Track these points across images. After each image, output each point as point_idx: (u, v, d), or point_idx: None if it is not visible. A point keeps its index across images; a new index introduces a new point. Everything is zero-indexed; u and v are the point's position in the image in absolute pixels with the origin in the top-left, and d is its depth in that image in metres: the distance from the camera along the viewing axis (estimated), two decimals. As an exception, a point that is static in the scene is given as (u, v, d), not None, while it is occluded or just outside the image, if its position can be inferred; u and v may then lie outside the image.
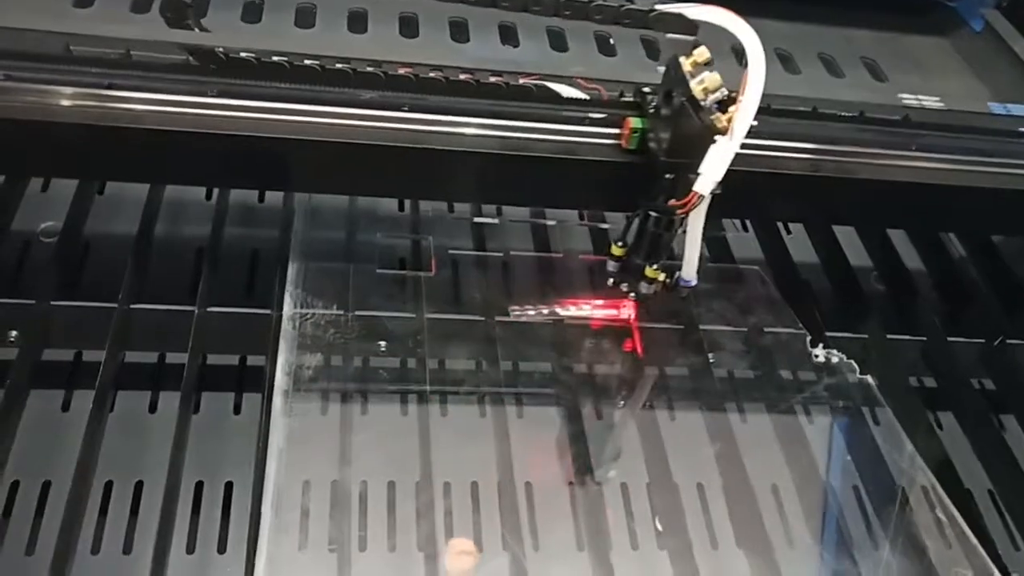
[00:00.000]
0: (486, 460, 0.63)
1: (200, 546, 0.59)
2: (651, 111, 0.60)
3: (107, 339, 0.64)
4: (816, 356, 0.70)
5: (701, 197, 0.56)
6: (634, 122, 0.61)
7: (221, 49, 0.59)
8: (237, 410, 0.67)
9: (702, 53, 0.56)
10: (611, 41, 0.74)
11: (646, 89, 0.62)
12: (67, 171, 0.66)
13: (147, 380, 0.67)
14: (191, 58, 0.57)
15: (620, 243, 0.64)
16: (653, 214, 0.60)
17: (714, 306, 0.71)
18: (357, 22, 0.72)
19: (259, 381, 0.66)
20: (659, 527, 0.64)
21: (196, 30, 0.60)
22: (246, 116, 0.58)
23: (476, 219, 0.75)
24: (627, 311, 0.67)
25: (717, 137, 0.55)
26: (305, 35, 0.70)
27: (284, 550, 0.57)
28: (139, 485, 0.62)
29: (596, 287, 0.70)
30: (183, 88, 0.57)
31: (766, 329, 0.72)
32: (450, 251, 0.71)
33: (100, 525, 0.60)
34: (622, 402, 0.69)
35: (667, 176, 0.58)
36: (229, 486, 0.62)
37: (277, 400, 0.58)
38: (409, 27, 0.72)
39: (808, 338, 0.71)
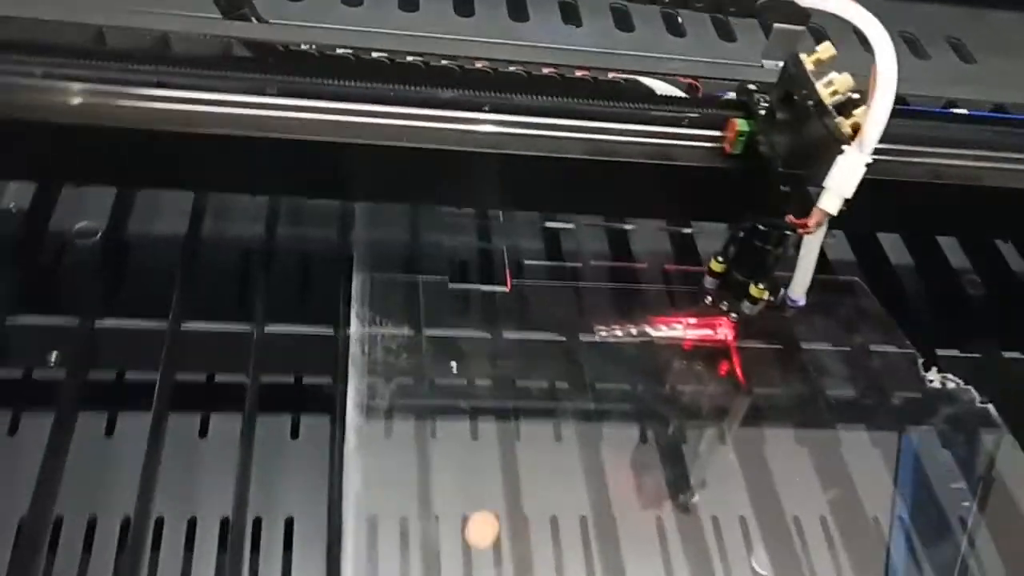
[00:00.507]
0: (574, 492, 0.58)
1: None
2: (761, 113, 0.54)
3: (155, 360, 0.59)
4: (930, 381, 0.64)
5: (827, 215, 0.49)
6: (740, 124, 0.54)
7: (280, 41, 0.53)
8: (295, 433, 0.63)
9: (827, 49, 0.49)
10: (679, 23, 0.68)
11: (751, 87, 0.56)
12: (106, 178, 0.60)
13: (198, 401, 0.63)
14: (247, 52, 0.51)
15: (720, 258, 0.58)
16: (764, 229, 0.54)
17: (814, 322, 0.65)
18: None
19: (318, 400, 0.62)
20: (757, 568, 0.58)
21: (253, 20, 0.54)
22: (309, 117, 0.52)
23: (548, 223, 0.70)
24: (724, 331, 0.61)
25: (845, 147, 0.49)
26: (363, 18, 0.64)
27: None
28: (192, 521, 0.57)
29: (685, 301, 0.64)
30: (240, 86, 0.51)
31: (872, 348, 0.65)
32: (525, 262, 0.65)
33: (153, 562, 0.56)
34: (720, 430, 0.63)
35: (783, 187, 0.52)
36: (290, 522, 0.58)
37: (350, 436, 0.53)
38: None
39: (920, 360, 0.65)
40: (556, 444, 0.61)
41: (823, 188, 0.49)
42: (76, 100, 0.50)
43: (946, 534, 0.60)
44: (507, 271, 0.64)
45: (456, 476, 0.58)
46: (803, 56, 0.50)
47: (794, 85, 0.50)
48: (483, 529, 0.56)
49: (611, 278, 0.66)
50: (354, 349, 0.58)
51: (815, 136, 0.49)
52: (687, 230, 0.72)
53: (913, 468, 0.62)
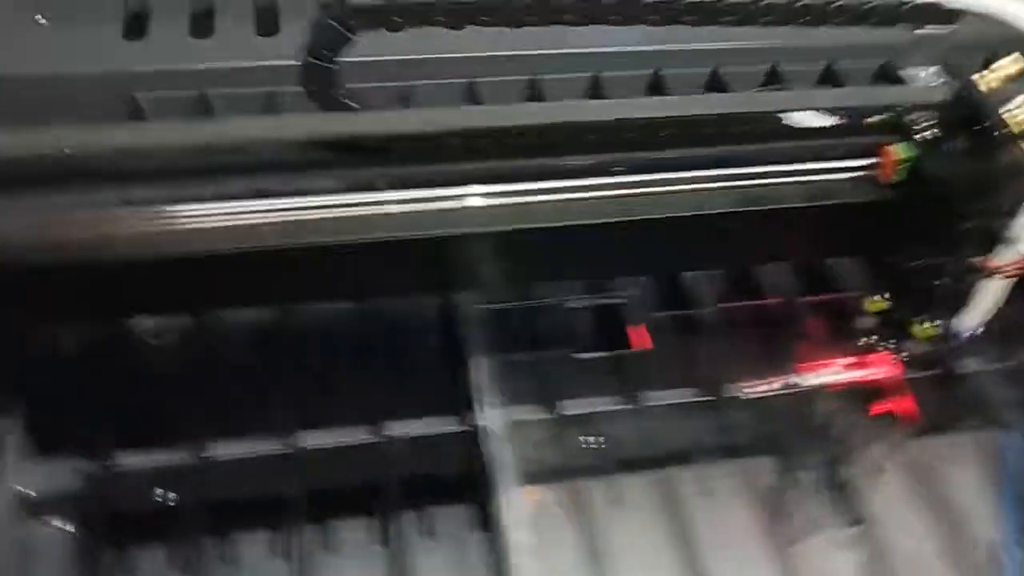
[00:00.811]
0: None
1: None
2: (922, 138, 0.48)
3: (276, 480, 0.54)
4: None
5: (1032, 260, 0.44)
6: (900, 150, 0.49)
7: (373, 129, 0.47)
8: (431, 532, 0.58)
9: (1015, 62, 0.44)
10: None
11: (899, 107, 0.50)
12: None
13: (322, 511, 0.58)
14: (349, 145, 0.45)
15: (879, 297, 0.53)
16: (937, 264, 0.49)
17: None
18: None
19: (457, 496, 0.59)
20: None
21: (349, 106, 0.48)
22: (423, 209, 0.47)
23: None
24: (883, 368, 0.56)
25: (1049, 179, 0.43)
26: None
27: None
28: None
29: (831, 337, 0.59)
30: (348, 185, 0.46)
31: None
32: (651, 314, 0.59)
33: None
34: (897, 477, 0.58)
35: (964, 224, 0.46)
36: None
37: (512, 533, 0.49)
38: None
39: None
40: (733, 509, 0.57)
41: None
42: (155, 229, 0.45)
43: None
44: (633, 328, 0.58)
45: (627, 550, 0.55)
46: (978, 76, 0.44)
47: (970, 108, 0.45)
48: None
49: (747, 320, 0.60)
50: (492, 446, 0.53)
51: (1003, 168, 0.44)
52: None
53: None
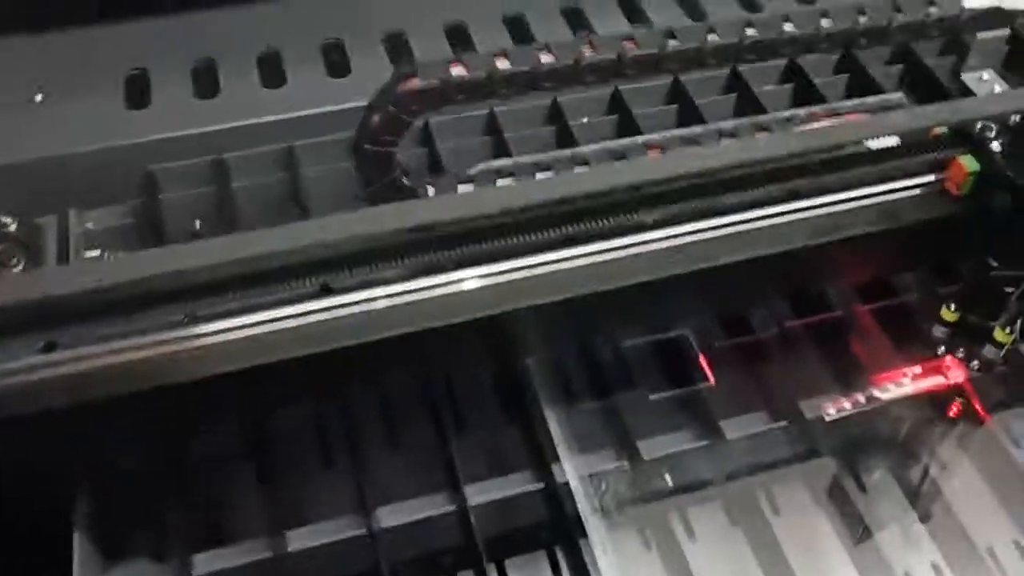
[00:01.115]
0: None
1: None
2: (993, 148, 0.47)
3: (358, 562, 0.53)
4: None
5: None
6: (968, 163, 0.48)
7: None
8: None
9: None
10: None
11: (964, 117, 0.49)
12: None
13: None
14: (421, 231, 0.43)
15: (953, 307, 0.52)
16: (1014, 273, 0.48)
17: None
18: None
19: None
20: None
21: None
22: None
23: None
24: (956, 373, 0.55)
25: None
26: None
27: None
28: None
29: (897, 346, 0.58)
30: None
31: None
32: (715, 345, 0.58)
33: None
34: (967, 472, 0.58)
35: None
36: None
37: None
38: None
39: None
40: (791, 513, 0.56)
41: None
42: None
43: None
44: (701, 359, 0.57)
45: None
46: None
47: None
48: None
49: (814, 338, 0.59)
50: (581, 499, 0.52)
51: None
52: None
53: None
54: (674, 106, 0.59)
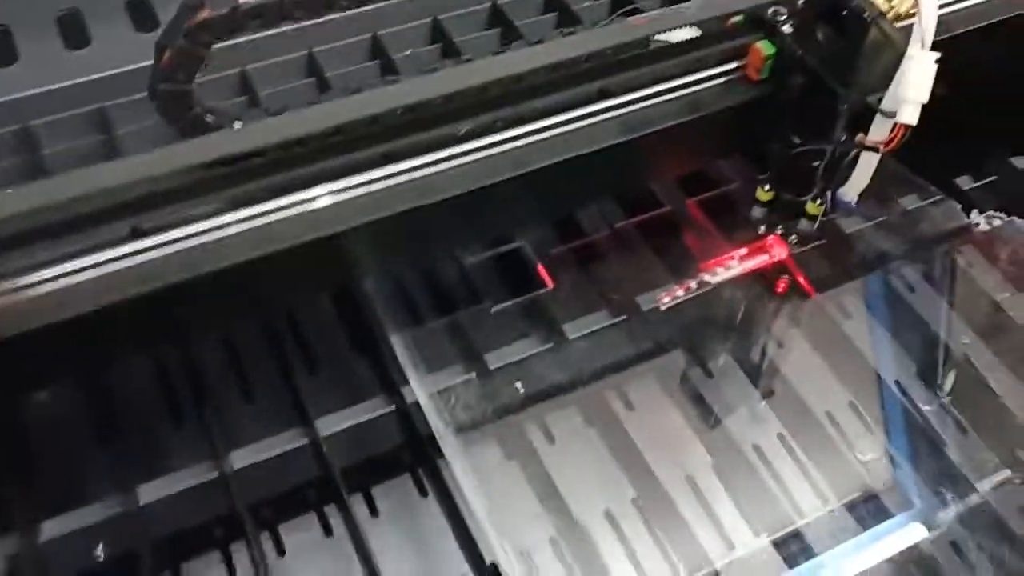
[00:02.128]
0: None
1: None
2: (786, 31, 0.49)
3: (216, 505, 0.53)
4: (976, 224, 0.63)
5: (908, 128, 0.46)
6: (765, 47, 0.50)
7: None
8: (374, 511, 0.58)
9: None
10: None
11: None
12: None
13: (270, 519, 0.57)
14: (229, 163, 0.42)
15: (767, 187, 0.54)
16: (818, 149, 0.50)
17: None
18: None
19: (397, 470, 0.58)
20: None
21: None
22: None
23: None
24: (779, 250, 0.58)
25: (911, 51, 0.45)
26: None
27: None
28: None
29: (723, 233, 0.60)
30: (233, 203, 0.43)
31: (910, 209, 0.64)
32: (551, 252, 0.59)
33: None
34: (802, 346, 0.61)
35: (840, 106, 0.48)
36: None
37: (469, 494, 0.50)
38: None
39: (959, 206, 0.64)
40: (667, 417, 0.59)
41: (899, 100, 0.45)
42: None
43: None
44: (539, 267, 0.58)
45: (573, 478, 0.57)
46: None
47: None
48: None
49: (645, 235, 0.61)
50: (430, 416, 0.52)
51: (870, 47, 0.45)
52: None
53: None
54: (496, 30, 0.60)
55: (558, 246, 0.59)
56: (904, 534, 0.56)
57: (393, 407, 0.55)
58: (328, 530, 0.57)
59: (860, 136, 0.48)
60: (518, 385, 0.57)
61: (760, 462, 0.60)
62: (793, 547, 0.57)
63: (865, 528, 0.57)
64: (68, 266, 0.41)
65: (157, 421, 0.54)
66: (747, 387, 0.62)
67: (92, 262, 0.40)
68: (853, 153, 0.50)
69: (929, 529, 0.56)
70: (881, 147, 0.48)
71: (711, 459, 0.60)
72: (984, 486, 0.57)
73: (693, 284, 0.57)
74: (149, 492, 0.52)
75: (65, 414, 0.53)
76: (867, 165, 0.51)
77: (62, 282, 0.41)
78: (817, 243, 0.59)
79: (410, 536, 0.57)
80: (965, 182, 0.66)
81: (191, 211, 0.42)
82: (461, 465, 0.53)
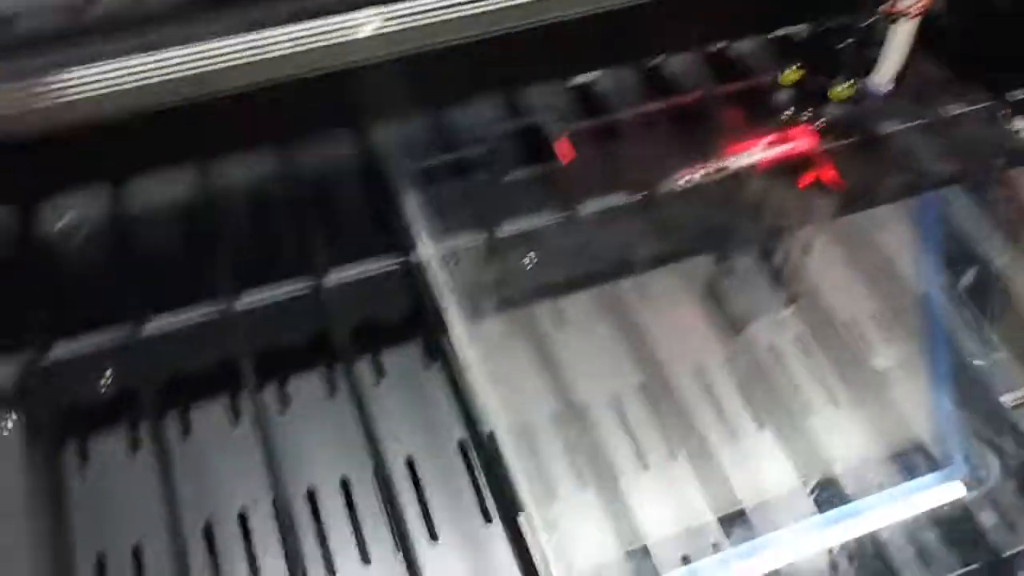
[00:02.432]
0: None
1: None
2: None
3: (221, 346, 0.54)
4: (1016, 131, 0.60)
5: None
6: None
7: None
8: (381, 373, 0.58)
9: None
10: None
11: None
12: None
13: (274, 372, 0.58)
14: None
15: (797, 66, 0.53)
16: (846, 26, 0.49)
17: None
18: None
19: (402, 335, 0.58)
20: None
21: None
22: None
23: (573, 81, 0.62)
24: (805, 140, 0.56)
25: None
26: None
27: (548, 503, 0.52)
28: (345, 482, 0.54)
29: (751, 119, 0.59)
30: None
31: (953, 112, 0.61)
32: (572, 128, 0.59)
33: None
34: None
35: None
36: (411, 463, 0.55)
37: (467, 357, 0.49)
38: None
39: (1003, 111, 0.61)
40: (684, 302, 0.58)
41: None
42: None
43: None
44: (558, 142, 0.58)
45: (581, 364, 0.56)
46: None
47: None
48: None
49: (664, 119, 0.60)
50: (437, 279, 0.53)
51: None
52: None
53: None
54: None
55: (579, 123, 0.59)
56: (944, 489, 0.54)
57: (401, 265, 0.55)
58: (332, 390, 0.58)
59: (886, 6, 0.47)
60: (529, 258, 0.56)
61: (776, 365, 0.59)
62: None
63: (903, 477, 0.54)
64: (91, 71, 0.42)
65: (171, 254, 0.56)
66: (768, 286, 0.61)
67: (114, 68, 0.41)
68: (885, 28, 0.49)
69: (969, 487, 0.54)
70: (912, 11, 0.46)
71: (723, 356, 0.59)
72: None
73: (712, 166, 0.56)
74: (158, 325, 0.54)
75: (84, 236, 0.54)
76: (898, 41, 0.50)
77: (85, 87, 0.42)
78: (848, 140, 0.58)
79: (413, 402, 0.58)
80: (1016, 95, 0.63)
81: (210, 28, 0.43)
82: (464, 333, 0.53)
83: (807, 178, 0.57)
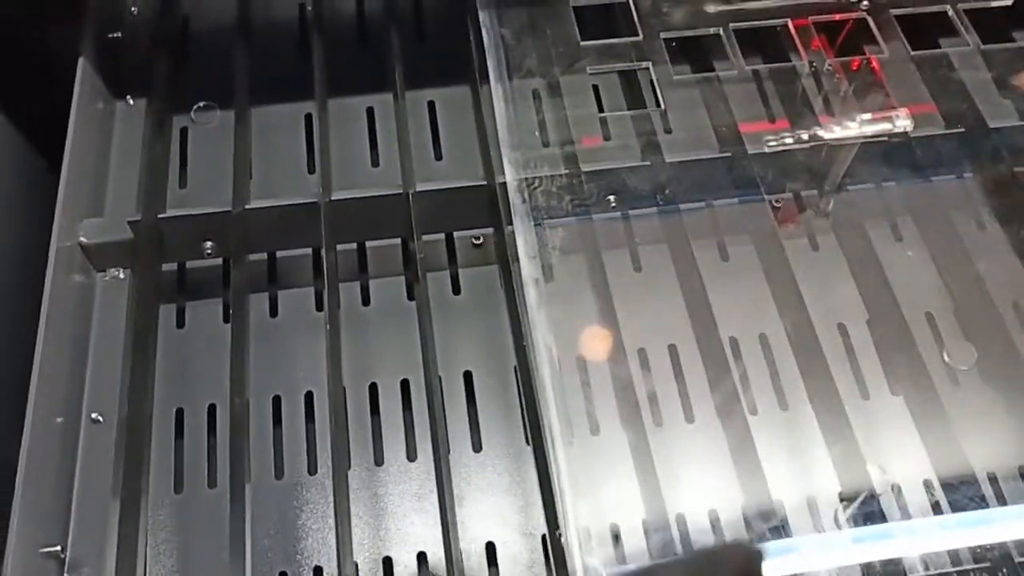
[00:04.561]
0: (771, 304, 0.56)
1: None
2: None
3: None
4: None
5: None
6: None
7: None
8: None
9: None
10: None
11: None
12: None
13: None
14: None
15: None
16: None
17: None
18: None
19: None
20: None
21: None
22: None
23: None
24: (903, 120, 0.55)
25: None
26: None
27: (577, 438, 0.53)
28: (373, 386, 0.57)
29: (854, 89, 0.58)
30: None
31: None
32: (674, 77, 0.59)
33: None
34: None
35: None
36: (468, 376, 0.58)
37: (530, 293, 0.51)
38: None
39: None
40: (747, 257, 0.58)
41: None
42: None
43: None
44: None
45: (646, 301, 0.57)
46: None
47: None
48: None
49: (772, 78, 0.59)
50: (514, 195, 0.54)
51: None
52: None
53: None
54: None
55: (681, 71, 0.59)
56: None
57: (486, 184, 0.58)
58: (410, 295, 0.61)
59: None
60: (607, 196, 0.57)
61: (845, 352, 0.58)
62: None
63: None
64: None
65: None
66: (844, 267, 0.59)
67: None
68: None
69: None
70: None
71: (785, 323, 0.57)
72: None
73: (806, 135, 0.56)
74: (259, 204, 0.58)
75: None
76: None
77: None
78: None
79: (484, 319, 0.60)
80: None
81: None
82: (526, 245, 0.53)
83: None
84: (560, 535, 0.46)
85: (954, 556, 0.48)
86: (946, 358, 0.55)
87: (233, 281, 0.57)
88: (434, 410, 0.52)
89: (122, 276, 0.59)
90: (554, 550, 0.50)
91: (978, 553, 0.47)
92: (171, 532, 0.53)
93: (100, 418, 0.55)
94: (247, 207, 0.57)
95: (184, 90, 0.67)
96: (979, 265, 0.57)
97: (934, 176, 0.57)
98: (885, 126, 0.55)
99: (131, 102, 0.66)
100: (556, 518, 0.48)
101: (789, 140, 0.55)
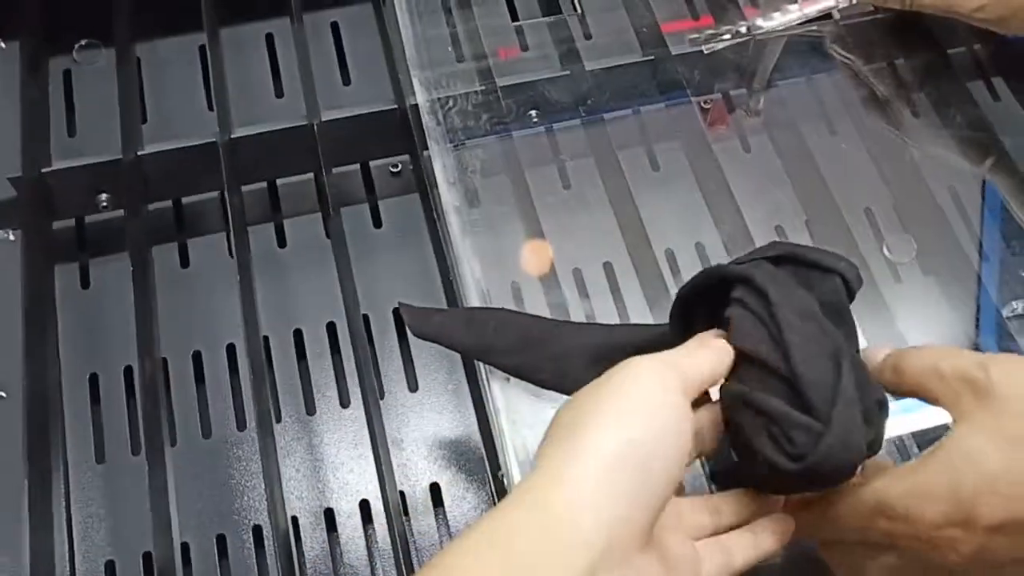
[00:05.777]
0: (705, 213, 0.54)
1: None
2: None
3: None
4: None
5: None
6: None
7: None
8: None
9: None
10: None
11: None
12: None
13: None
14: None
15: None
16: None
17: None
18: None
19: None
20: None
21: None
22: None
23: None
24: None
25: None
26: None
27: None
28: (331, 326, 0.54)
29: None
30: None
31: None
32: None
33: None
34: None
35: None
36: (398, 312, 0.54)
37: (452, 221, 0.48)
38: None
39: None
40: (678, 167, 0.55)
41: None
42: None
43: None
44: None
45: (571, 223, 0.54)
46: None
47: None
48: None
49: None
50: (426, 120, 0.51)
51: None
52: None
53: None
54: None
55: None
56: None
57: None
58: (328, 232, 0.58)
59: None
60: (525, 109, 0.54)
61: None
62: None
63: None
64: None
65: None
66: (778, 167, 0.58)
67: None
68: None
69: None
70: None
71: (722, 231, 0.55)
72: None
73: (743, 28, 0.52)
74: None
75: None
76: None
77: None
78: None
79: (410, 257, 0.57)
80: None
81: None
82: (444, 170, 0.51)
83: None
84: (503, 475, 0.44)
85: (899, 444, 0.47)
86: (887, 253, 0.54)
87: (129, 233, 0.54)
88: (359, 352, 0.49)
89: (12, 238, 0.55)
90: (498, 491, 0.48)
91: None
92: (98, 505, 0.49)
93: (3, 394, 0.51)
94: (140, 153, 0.53)
95: (63, 29, 0.61)
96: (914, 151, 0.55)
97: (866, 65, 0.55)
98: (827, 3, 0.52)
99: (2, 45, 0.60)
100: (497, 458, 0.46)
101: (727, 37, 0.52)
